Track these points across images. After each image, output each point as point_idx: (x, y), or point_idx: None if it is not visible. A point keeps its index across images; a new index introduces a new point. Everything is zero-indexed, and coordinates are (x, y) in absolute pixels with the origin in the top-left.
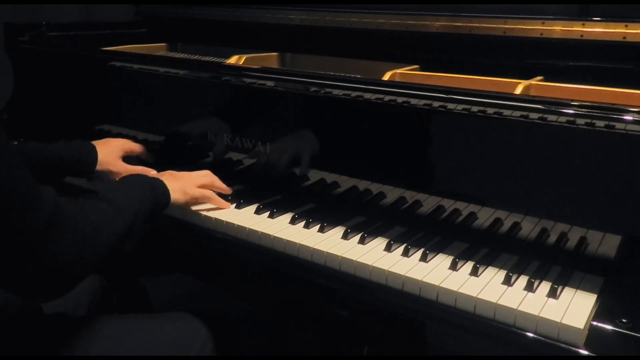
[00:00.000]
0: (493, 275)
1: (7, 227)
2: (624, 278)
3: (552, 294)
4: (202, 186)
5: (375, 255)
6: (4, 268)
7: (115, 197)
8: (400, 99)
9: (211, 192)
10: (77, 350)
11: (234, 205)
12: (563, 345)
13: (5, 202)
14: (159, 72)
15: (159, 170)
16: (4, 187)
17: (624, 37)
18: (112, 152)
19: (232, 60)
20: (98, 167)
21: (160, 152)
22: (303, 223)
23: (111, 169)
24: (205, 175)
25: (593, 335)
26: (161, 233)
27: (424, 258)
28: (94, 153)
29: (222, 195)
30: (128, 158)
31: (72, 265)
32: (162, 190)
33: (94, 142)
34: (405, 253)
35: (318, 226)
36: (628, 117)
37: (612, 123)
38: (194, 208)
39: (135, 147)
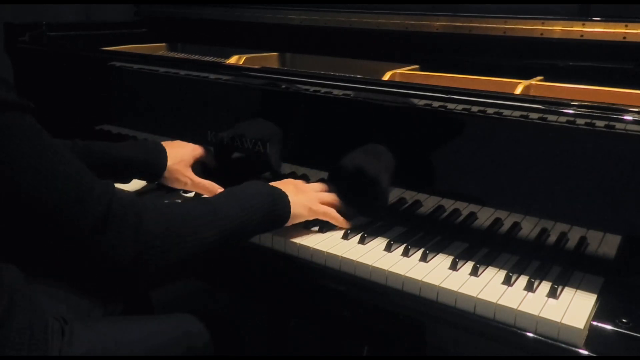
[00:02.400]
0: (493, 275)
1: (59, 224)
2: (624, 278)
3: (552, 294)
4: (324, 204)
5: (375, 255)
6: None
7: (219, 203)
8: (400, 99)
9: (334, 211)
10: (78, 351)
11: None
12: (563, 345)
13: (52, 199)
14: (159, 72)
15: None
16: (49, 183)
17: (624, 37)
18: (182, 160)
19: (232, 60)
20: (166, 174)
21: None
22: (303, 223)
23: (179, 178)
24: (330, 193)
25: (593, 335)
26: None
27: (424, 258)
28: (163, 156)
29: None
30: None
31: (137, 263)
32: (283, 202)
33: (165, 144)
34: (405, 253)
35: (318, 226)
36: (628, 117)
37: (612, 123)
38: None
39: (205, 153)
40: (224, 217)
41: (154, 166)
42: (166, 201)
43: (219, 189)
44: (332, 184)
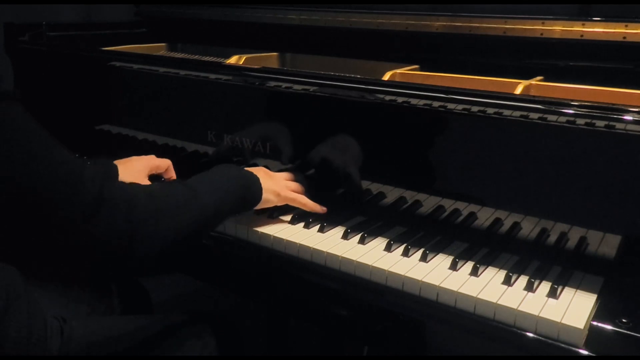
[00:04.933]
0: (493, 275)
1: (52, 209)
2: (624, 278)
3: (552, 294)
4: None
5: (375, 255)
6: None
7: (197, 185)
8: (400, 99)
9: (303, 196)
10: (78, 351)
11: None
12: (563, 345)
13: (45, 185)
14: (159, 72)
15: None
16: (42, 170)
17: (624, 37)
18: (136, 174)
19: (232, 60)
20: None
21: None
22: (303, 223)
23: None
24: (295, 181)
25: (593, 335)
26: None
27: (424, 258)
28: (114, 175)
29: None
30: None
31: (127, 247)
32: (255, 187)
33: (117, 162)
34: (405, 253)
35: (318, 226)
36: (628, 117)
37: (612, 123)
38: None
39: (162, 163)
40: (204, 200)
41: None
42: (153, 184)
43: None
44: (299, 174)
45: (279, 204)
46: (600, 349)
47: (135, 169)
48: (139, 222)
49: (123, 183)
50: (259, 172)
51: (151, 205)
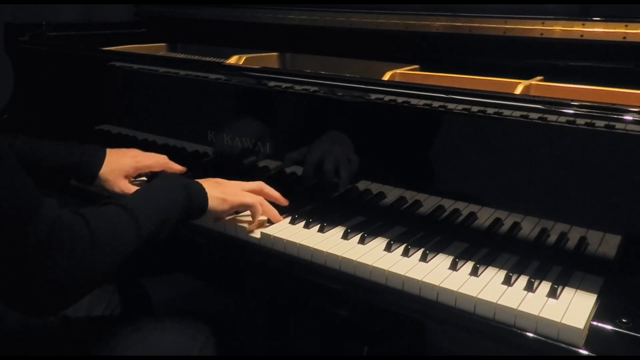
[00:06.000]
0: (493, 275)
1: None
2: (624, 278)
3: (552, 294)
4: (251, 192)
5: (375, 255)
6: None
7: (135, 205)
8: (400, 99)
9: (252, 196)
10: (77, 351)
11: None
12: (563, 345)
13: None
14: (159, 72)
15: None
16: None
17: (624, 37)
18: (117, 169)
19: (232, 60)
20: (97, 181)
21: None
22: (303, 223)
23: (107, 186)
24: (254, 183)
25: (593, 335)
26: None
27: (424, 258)
28: (98, 162)
29: None
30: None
31: (69, 282)
32: (199, 197)
33: (112, 151)
34: (405, 253)
35: (318, 226)
36: (628, 117)
37: (612, 123)
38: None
39: (149, 166)
40: (145, 221)
41: (84, 171)
42: (94, 209)
43: None
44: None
45: (228, 210)
46: (600, 349)
47: (119, 165)
48: (84, 258)
49: (70, 215)
50: (208, 181)
51: (98, 243)
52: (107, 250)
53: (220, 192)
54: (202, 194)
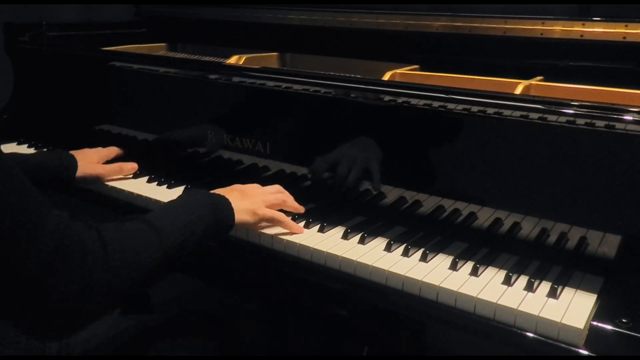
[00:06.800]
0: (493, 275)
1: (5, 258)
2: (624, 278)
3: (552, 294)
4: (272, 206)
5: (375, 255)
6: (4, 303)
7: (159, 220)
8: (400, 99)
9: (282, 214)
10: (77, 351)
11: None
12: (563, 345)
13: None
14: (159, 72)
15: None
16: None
17: (624, 37)
18: (90, 160)
19: (232, 60)
20: (78, 173)
21: (159, 155)
22: (303, 223)
23: (90, 172)
24: (277, 192)
25: (593, 335)
26: None
27: (424, 258)
28: (73, 160)
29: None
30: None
31: (81, 300)
32: (226, 211)
33: (73, 152)
34: (405, 253)
35: (318, 226)
36: (628, 117)
37: (612, 123)
38: None
39: (110, 152)
40: (167, 237)
41: (66, 169)
42: (112, 224)
43: (130, 167)
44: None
45: (257, 223)
46: (600, 349)
47: (90, 159)
48: (96, 275)
49: (82, 228)
50: (232, 192)
51: (111, 260)
52: (125, 266)
53: (249, 203)
54: (228, 209)
